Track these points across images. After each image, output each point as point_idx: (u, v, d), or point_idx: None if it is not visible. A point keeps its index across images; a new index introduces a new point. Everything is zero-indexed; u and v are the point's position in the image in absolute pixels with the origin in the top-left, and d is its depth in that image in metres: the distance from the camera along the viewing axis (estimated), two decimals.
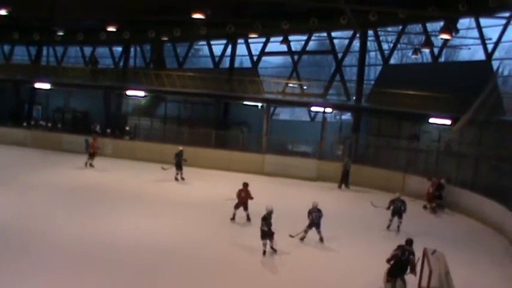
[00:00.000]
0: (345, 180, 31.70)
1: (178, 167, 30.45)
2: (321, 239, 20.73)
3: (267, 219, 18.90)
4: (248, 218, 22.62)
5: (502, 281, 18.70)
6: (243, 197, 22.58)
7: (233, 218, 22.79)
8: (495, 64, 38.11)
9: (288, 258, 19.08)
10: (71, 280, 15.85)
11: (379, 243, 20.97)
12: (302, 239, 20.73)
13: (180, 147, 31.13)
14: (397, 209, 23.07)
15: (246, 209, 22.60)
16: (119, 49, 51.05)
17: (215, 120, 41.20)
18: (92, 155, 32.05)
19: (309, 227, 20.64)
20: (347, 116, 47.30)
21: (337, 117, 48.40)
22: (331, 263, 19.14)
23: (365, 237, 22.29)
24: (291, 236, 20.28)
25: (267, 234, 18.89)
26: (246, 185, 22.82)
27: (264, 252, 18.94)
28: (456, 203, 27.55)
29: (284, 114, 57.03)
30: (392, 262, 16.39)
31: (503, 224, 24.13)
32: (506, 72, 42.64)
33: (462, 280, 16.60)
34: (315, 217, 20.56)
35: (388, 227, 23.45)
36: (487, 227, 25.09)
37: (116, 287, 15.81)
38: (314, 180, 32.41)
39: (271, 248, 19.17)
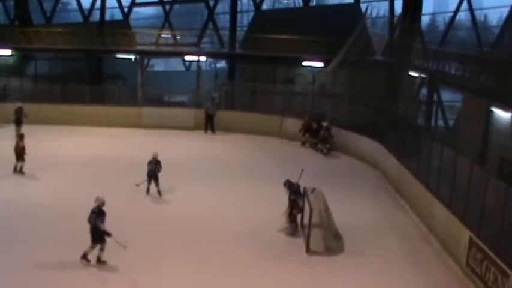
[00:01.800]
0: (210, 125, 31.76)
1: (18, 123, 28.93)
2: (159, 192, 20.10)
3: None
4: (20, 170, 22.28)
5: (378, 212, 19.60)
6: (17, 148, 22.23)
7: (15, 170, 22.25)
8: (363, 7, 39.10)
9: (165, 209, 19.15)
10: None
11: (260, 186, 21.37)
12: (147, 190, 20.11)
13: (19, 104, 29.76)
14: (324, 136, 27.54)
15: (21, 159, 22.24)
16: None
17: (88, 76, 39.87)
18: None
19: (148, 178, 20.04)
20: (222, 64, 47.16)
21: (212, 65, 48.15)
22: (214, 210, 19.15)
23: (245, 181, 22.50)
24: (136, 185, 19.96)
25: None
26: (21, 136, 22.90)
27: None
28: (333, 142, 28.22)
29: (159, 65, 56.09)
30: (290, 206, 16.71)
31: (377, 159, 25.09)
32: (374, 14, 43.78)
33: (342, 214, 17.21)
34: (150, 169, 19.88)
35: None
36: (363, 163, 26.03)
37: None
38: (192, 129, 32.16)
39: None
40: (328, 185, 19.40)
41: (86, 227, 14.07)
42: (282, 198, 17.09)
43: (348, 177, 24.03)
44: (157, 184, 20.00)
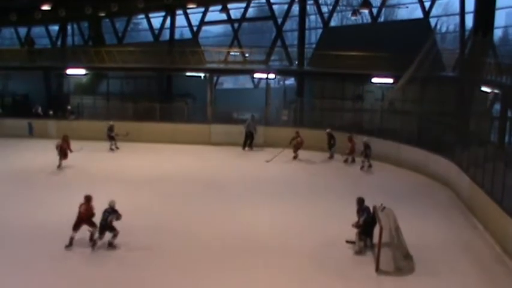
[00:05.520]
0: (249, 142, 32.20)
1: (112, 139, 31.25)
2: (111, 244, 16.65)
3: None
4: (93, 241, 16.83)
5: (450, 231, 19.03)
6: (82, 213, 16.70)
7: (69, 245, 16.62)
8: (433, 21, 38.65)
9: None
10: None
11: (327, 204, 21.34)
12: (94, 244, 16.60)
13: (111, 122, 31.68)
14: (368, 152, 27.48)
15: (90, 225, 16.72)
16: (55, 28, 49.78)
17: (159, 94, 40.70)
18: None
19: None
20: (290, 81, 47.36)
21: (281, 82, 48.41)
22: (281, 227, 19.17)
23: (315, 199, 22.42)
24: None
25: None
26: (88, 198, 16.89)
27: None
28: (403, 159, 27.90)
29: (228, 83, 56.79)
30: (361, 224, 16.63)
31: (448, 177, 24.56)
32: (444, 29, 43.21)
33: (412, 233, 16.94)
34: (104, 218, 16.46)
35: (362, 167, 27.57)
36: (434, 181, 25.48)
37: None
38: (261, 146, 32.33)
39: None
40: (397, 203, 19.19)
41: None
42: (350, 216, 17.05)
43: (418, 195, 23.57)
44: (113, 234, 16.64)
